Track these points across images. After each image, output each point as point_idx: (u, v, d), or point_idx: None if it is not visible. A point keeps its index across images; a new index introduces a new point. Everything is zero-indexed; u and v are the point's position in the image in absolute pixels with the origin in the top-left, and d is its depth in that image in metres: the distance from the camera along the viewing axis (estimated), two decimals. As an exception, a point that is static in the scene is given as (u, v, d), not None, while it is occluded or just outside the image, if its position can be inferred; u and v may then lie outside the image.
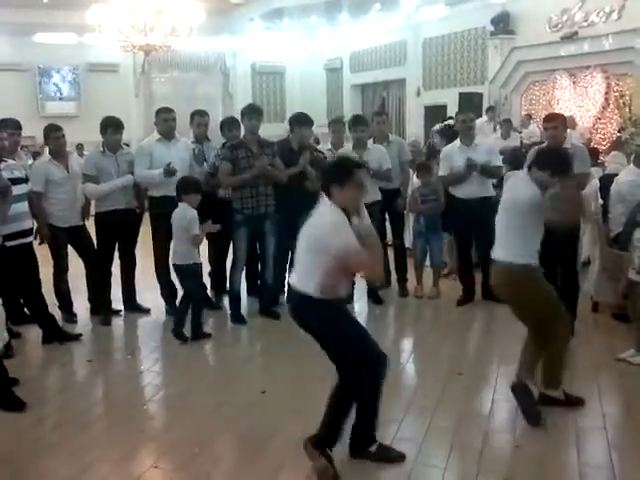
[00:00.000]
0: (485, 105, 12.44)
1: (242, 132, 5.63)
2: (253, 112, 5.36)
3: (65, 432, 3.55)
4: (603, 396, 3.88)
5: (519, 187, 3.66)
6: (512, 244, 3.62)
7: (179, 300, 5.25)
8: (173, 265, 5.11)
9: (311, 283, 2.97)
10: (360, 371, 3.02)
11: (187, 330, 5.02)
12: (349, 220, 2.97)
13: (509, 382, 4.01)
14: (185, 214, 4.91)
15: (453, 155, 5.60)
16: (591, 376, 4.16)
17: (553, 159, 3.66)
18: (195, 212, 4.92)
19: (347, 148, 5.73)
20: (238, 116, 5.60)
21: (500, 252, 3.69)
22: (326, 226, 2.93)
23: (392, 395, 3.95)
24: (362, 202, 3.08)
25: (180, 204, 4.95)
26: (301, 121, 5.51)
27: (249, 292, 5.91)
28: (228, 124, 5.76)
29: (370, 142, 5.83)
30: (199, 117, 5.84)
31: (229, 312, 5.48)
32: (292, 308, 3.21)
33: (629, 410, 3.75)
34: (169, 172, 5.18)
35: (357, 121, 5.78)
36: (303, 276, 3.04)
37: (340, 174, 3.00)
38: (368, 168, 5.52)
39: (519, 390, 3.64)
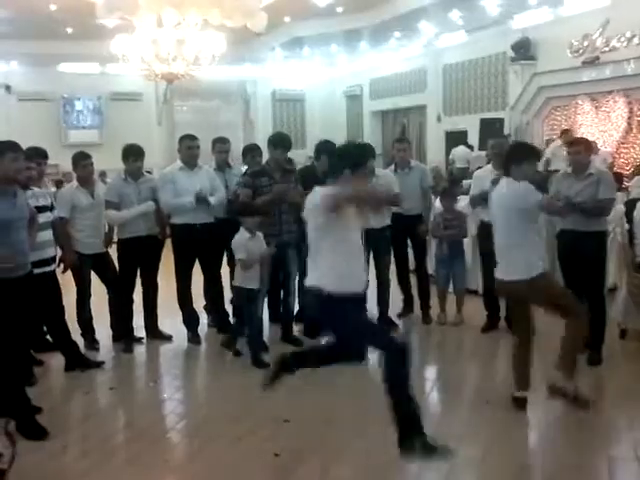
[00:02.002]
0: (506, 131, 12.41)
1: (264, 159, 5.66)
2: (281, 143, 5.34)
3: (88, 462, 3.52)
4: (634, 425, 3.78)
5: None
6: None
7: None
8: None
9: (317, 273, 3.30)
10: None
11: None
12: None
13: (538, 410, 3.95)
14: (235, 237, 4.93)
15: (485, 179, 5.57)
16: (621, 404, 4.05)
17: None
18: (243, 236, 4.87)
19: None
20: (260, 143, 5.62)
21: None
22: (315, 195, 3.24)
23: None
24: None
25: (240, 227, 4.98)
26: (329, 150, 5.49)
27: (272, 319, 5.89)
28: (251, 151, 5.79)
29: (379, 169, 5.84)
30: (220, 144, 5.88)
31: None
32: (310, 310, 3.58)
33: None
34: (201, 199, 5.23)
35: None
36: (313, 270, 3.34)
37: (356, 161, 3.26)
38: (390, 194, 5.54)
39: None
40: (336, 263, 3.23)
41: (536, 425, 3.85)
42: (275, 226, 5.18)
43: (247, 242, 4.85)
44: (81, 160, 5.28)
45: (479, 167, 6.93)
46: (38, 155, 5.01)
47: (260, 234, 4.96)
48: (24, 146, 4.37)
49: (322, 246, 3.26)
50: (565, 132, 11.01)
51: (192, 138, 5.57)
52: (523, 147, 4.37)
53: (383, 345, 3.21)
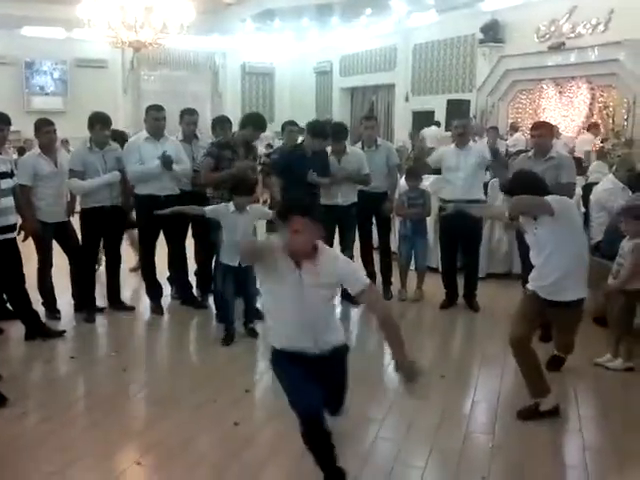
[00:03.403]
0: (472, 112, 12.56)
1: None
2: (257, 126, 5.30)
3: (48, 428, 3.55)
4: (580, 399, 3.97)
5: None
6: None
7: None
8: None
9: None
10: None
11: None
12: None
13: (490, 384, 4.10)
14: (219, 206, 4.90)
15: (447, 154, 5.69)
16: (569, 380, 4.22)
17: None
18: (228, 208, 4.81)
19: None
20: (228, 115, 5.61)
21: None
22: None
23: (374, 395, 4.02)
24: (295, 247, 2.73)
25: None
26: (324, 134, 5.42)
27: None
28: (220, 123, 5.77)
29: (350, 146, 5.90)
30: (188, 116, 5.85)
31: (214, 312, 5.49)
32: None
33: (604, 414, 3.83)
34: (167, 162, 5.20)
35: (337, 134, 5.74)
36: None
37: (282, 212, 2.76)
38: (346, 172, 5.58)
39: None
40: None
41: (486, 398, 4.00)
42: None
43: (229, 214, 4.76)
44: (44, 127, 5.19)
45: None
46: (1, 121, 4.92)
47: (252, 212, 4.85)
48: (-16, 111, 4.31)
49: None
50: (594, 126, 10.72)
51: (158, 109, 5.52)
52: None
53: (297, 411, 2.82)
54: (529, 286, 3.90)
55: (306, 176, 5.28)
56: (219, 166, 5.18)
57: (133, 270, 6.52)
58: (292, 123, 6.24)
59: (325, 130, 5.48)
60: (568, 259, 3.70)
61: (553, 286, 3.74)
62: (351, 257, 5.94)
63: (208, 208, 4.91)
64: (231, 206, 4.80)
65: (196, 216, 5.03)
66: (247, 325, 5.07)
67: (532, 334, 3.81)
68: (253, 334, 5.03)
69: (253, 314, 5.16)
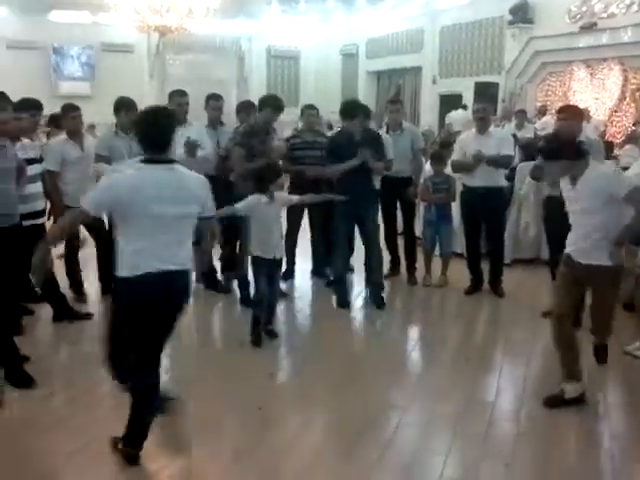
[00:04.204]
0: (501, 95, 12.33)
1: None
2: (276, 107, 5.24)
3: (73, 409, 3.61)
4: (607, 387, 3.91)
5: None
6: None
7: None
8: None
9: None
10: None
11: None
12: None
13: (515, 371, 4.06)
14: (249, 198, 4.68)
15: (468, 142, 5.58)
16: (597, 367, 4.15)
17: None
18: (260, 200, 4.56)
19: None
20: (254, 100, 5.59)
21: None
22: None
23: (398, 381, 4.01)
24: None
25: None
26: (352, 114, 5.30)
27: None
28: (246, 108, 5.73)
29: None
30: (214, 101, 5.82)
31: (239, 296, 5.50)
32: None
33: (632, 402, 3.78)
34: (191, 148, 5.16)
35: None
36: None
37: None
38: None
39: None
40: None
41: (511, 384, 3.97)
42: None
43: (261, 205, 4.55)
44: (70, 112, 5.24)
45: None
46: (33, 107, 4.95)
47: (278, 200, 4.66)
48: (13, 96, 4.33)
49: None
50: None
51: (182, 94, 5.52)
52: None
53: None
54: (566, 250, 3.68)
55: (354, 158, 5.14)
56: (249, 154, 5.12)
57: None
58: (311, 107, 6.16)
59: (353, 109, 5.33)
60: (609, 220, 3.44)
61: (590, 246, 3.50)
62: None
63: (239, 205, 4.67)
64: (262, 197, 4.57)
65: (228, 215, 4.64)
66: (266, 326, 4.77)
67: (570, 309, 3.67)
68: (272, 335, 4.73)
69: (274, 314, 4.90)
